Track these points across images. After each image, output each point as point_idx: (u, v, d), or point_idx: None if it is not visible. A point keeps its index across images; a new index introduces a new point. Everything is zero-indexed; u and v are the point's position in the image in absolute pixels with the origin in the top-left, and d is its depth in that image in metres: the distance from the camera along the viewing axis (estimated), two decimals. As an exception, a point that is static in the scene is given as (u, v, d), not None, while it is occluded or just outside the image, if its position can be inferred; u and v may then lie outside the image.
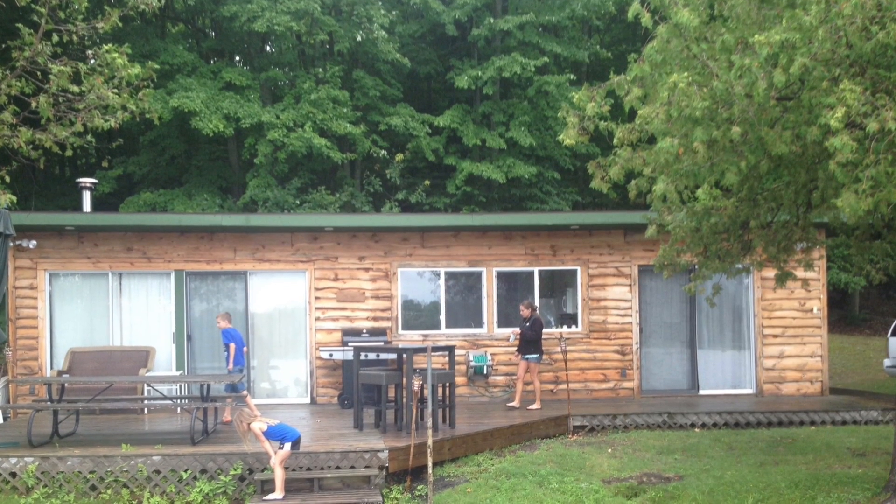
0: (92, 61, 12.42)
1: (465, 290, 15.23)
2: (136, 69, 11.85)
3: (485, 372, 14.58)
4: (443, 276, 15.03)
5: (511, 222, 15.03)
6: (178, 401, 12.80)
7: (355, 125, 22.66)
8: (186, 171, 24.50)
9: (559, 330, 14.89)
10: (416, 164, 25.07)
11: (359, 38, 22.75)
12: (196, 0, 23.47)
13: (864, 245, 10.25)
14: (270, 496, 9.00)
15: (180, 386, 13.77)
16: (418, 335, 14.81)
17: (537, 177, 24.66)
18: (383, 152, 23.70)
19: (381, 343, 14.25)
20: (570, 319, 15.18)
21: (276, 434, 9.06)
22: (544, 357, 13.99)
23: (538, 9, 24.51)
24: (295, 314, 14.81)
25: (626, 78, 8.06)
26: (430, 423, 9.49)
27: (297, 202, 22.25)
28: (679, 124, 7.33)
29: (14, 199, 11.91)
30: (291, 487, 9.30)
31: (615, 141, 8.44)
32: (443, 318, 14.98)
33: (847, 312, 27.64)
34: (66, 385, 11.40)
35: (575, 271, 15.15)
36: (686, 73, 7.09)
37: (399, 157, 24.34)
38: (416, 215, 17.57)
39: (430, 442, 9.24)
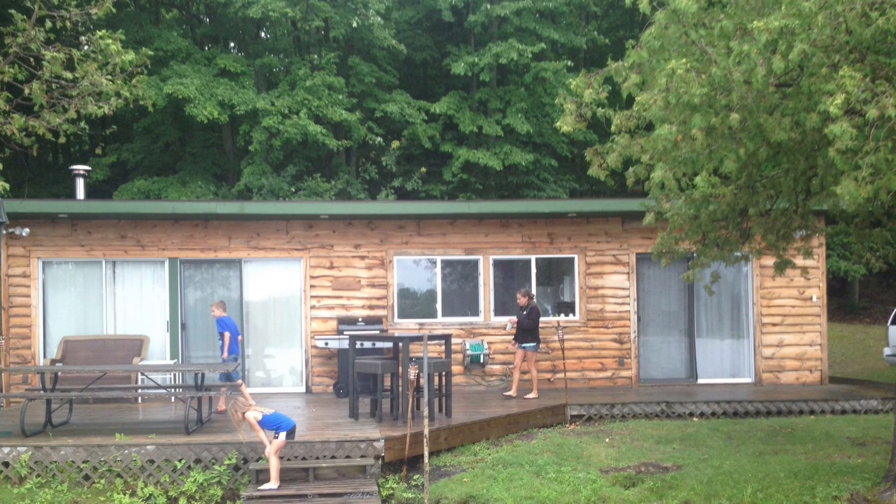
0: (85, 48, 12.31)
1: (461, 279, 15.16)
2: (130, 55, 11.75)
3: (481, 361, 14.52)
4: (439, 265, 14.95)
5: (508, 210, 14.95)
6: (173, 390, 12.74)
7: (351, 112, 22.56)
8: (181, 158, 24.40)
9: (556, 318, 14.83)
10: (412, 151, 24.98)
11: (354, 25, 22.62)
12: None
13: (863, 233, 10.19)
14: (265, 486, 8.96)
15: (174, 375, 13.74)
16: (414, 324, 14.75)
17: (534, 164, 24.58)
18: (379, 139, 23.60)
19: (377, 332, 14.18)
20: (568, 308, 15.12)
21: (271, 423, 9.02)
22: (541, 346, 13.94)
23: (535, -6, 24.38)
24: (290, 302, 14.74)
25: (623, 64, 7.98)
26: (426, 412, 9.44)
27: (293, 190, 22.16)
28: (677, 111, 7.26)
29: (7, 186, 11.85)
30: (286, 477, 9.25)
31: (613, 128, 8.35)
32: (439, 306, 14.91)
33: (847, 301, 27.61)
34: (59, 374, 11.36)
35: (572, 259, 15.08)
36: (684, 60, 7.02)
37: (395, 144, 24.25)
38: (413, 203, 17.47)
39: (426, 431, 9.19)
